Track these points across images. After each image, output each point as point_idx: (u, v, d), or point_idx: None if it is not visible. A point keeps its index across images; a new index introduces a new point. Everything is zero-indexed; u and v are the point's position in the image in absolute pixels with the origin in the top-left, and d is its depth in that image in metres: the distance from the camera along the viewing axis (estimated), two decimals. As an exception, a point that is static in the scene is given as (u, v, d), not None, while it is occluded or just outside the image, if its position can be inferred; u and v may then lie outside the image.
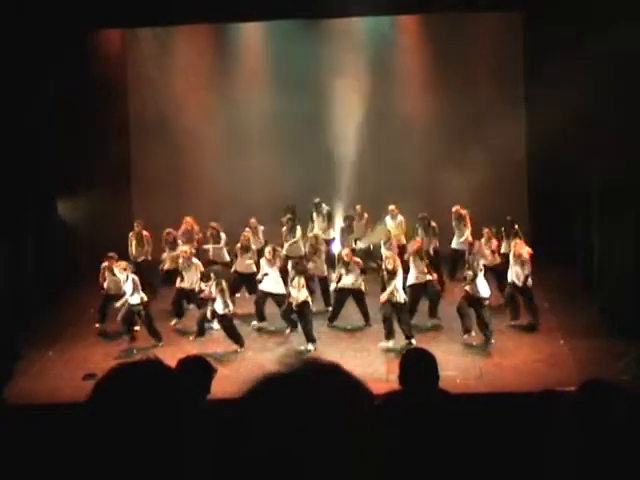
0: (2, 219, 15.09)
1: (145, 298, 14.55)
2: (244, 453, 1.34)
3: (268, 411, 1.35)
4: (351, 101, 19.41)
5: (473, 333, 14.06)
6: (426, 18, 19.00)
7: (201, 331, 14.62)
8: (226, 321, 14.23)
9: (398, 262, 14.34)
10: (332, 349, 14.17)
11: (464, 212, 17.11)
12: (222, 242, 16.93)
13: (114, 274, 14.97)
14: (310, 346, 14.11)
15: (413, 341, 13.81)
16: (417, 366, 5.27)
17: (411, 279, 14.83)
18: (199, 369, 6.03)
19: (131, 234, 17.07)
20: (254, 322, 15.19)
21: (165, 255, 16.71)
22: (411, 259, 14.91)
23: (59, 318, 15.91)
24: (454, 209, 17.18)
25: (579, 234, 16.71)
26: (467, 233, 16.93)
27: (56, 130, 16.51)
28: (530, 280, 14.61)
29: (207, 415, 1.63)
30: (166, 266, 16.61)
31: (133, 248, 16.92)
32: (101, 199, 17.77)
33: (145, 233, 17.04)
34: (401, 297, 14.10)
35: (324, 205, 17.93)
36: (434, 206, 17.49)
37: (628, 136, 13.93)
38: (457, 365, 12.98)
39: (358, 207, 17.89)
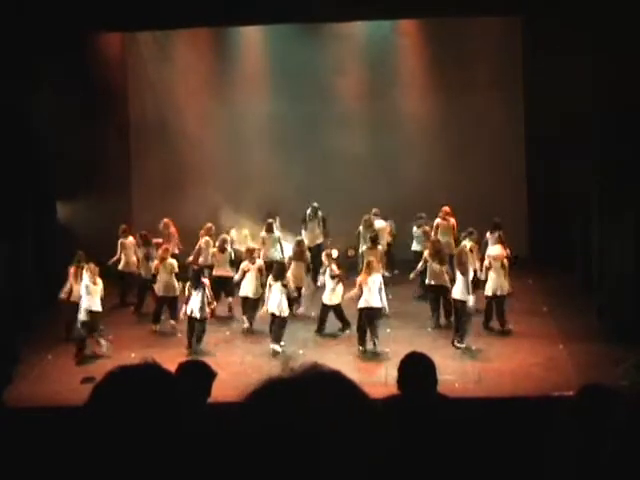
0: (2, 220, 15.09)
1: (95, 308, 14.32)
2: (244, 455, 1.34)
3: (268, 416, 1.35)
4: (351, 104, 19.43)
5: (474, 347, 14.08)
6: (426, 21, 19.01)
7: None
8: (194, 322, 14.24)
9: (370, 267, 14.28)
10: (330, 353, 14.17)
11: (452, 220, 17.06)
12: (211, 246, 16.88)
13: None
14: (278, 347, 14.11)
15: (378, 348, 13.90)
16: (416, 370, 5.27)
17: (430, 280, 14.97)
18: (199, 373, 6.04)
19: (122, 242, 16.94)
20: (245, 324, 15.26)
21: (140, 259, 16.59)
22: (430, 261, 15.00)
23: (58, 320, 15.87)
24: (443, 209, 17.14)
25: (578, 235, 16.70)
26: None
27: (56, 132, 16.51)
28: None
29: (206, 418, 1.64)
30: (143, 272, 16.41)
31: (132, 258, 16.90)
32: (100, 201, 17.76)
33: (131, 240, 16.96)
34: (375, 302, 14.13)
35: (319, 212, 17.89)
36: (434, 207, 17.51)
37: (628, 136, 13.94)
38: (455, 369, 12.96)
39: (375, 210, 17.72)
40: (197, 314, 14.17)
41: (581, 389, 3.70)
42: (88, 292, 14.22)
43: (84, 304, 14.19)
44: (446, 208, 17.13)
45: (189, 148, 19.65)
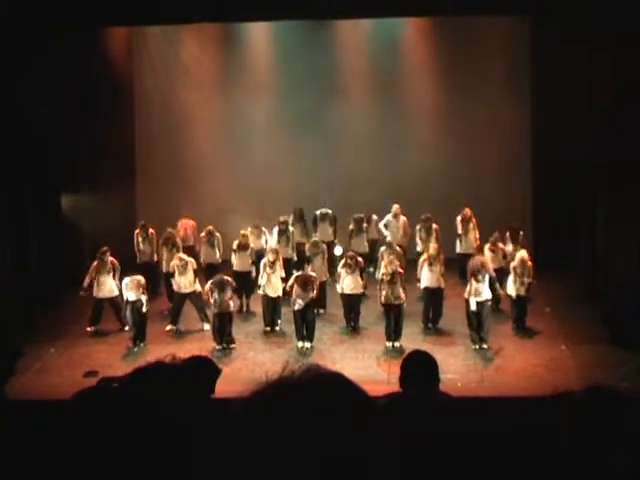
0: (6, 215, 15.10)
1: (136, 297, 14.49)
2: (243, 459, 1.34)
3: (266, 422, 1.35)
4: (358, 100, 19.40)
5: (485, 345, 14.07)
6: (434, 20, 18.96)
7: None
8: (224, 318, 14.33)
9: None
10: (333, 351, 14.19)
11: (473, 218, 17.05)
12: (216, 245, 16.85)
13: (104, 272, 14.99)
14: (308, 344, 14.22)
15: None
16: (418, 369, 5.27)
17: (424, 282, 14.90)
18: (205, 369, 6.04)
19: (137, 232, 17.04)
20: (266, 328, 15.22)
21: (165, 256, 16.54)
22: (425, 264, 14.94)
23: (61, 315, 15.91)
24: (464, 212, 17.09)
25: (582, 236, 16.68)
26: (475, 236, 16.96)
27: (61, 126, 16.51)
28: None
29: (212, 414, 1.64)
30: (164, 268, 16.44)
31: (140, 247, 16.92)
32: (106, 195, 17.77)
33: (151, 231, 17.01)
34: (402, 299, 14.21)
35: (329, 210, 17.86)
36: (439, 205, 17.51)
37: (634, 137, 13.92)
38: (458, 368, 12.98)
39: (395, 206, 17.63)
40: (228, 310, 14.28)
41: (584, 390, 3.69)
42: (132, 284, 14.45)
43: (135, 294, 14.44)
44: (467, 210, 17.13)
45: (195, 143, 19.65)
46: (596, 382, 4.13)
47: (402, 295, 14.12)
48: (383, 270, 14.38)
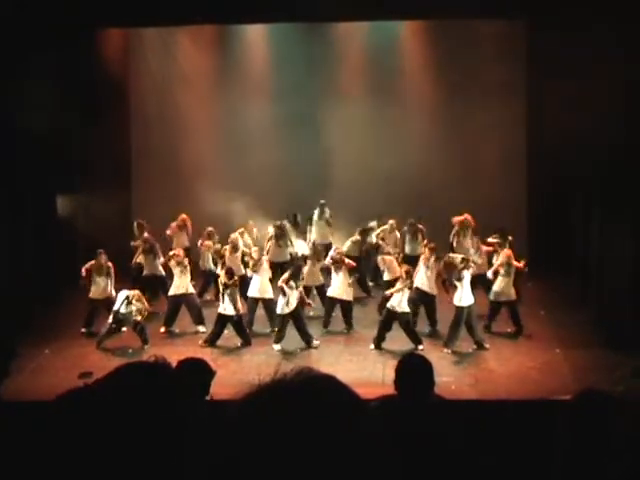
0: (3, 216, 15.09)
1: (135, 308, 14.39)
2: (237, 464, 1.34)
3: (260, 424, 1.35)
4: (353, 104, 19.41)
5: (487, 345, 14.07)
6: (431, 23, 18.98)
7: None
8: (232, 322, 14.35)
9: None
10: (328, 353, 14.19)
11: (471, 224, 16.96)
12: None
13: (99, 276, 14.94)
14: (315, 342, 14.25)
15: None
16: (413, 371, 5.28)
17: (416, 282, 14.82)
18: (199, 371, 6.04)
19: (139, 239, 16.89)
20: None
21: (140, 255, 16.46)
22: (421, 264, 14.91)
23: (57, 316, 15.90)
24: (464, 217, 17.02)
25: (578, 238, 16.70)
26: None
27: (57, 127, 16.48)
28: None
29: (206, 417, 1.65)
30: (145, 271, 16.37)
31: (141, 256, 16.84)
32: (101, 197, 17.76)
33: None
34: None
35: (327, 209, 17.87)
36: (436, 208, 17.52)
37: (630, 138, 13.96)
38: (452, 371, 12.98)
39: (392, 222, 17.48)
40: (230, 312, 14.24)
41: (578, 394, 3.70)
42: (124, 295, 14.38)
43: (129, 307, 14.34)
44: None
45: (191, 145, 19.64)
46: (590, 385, 4.15)
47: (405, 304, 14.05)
48: (389, 277, 14.40)
